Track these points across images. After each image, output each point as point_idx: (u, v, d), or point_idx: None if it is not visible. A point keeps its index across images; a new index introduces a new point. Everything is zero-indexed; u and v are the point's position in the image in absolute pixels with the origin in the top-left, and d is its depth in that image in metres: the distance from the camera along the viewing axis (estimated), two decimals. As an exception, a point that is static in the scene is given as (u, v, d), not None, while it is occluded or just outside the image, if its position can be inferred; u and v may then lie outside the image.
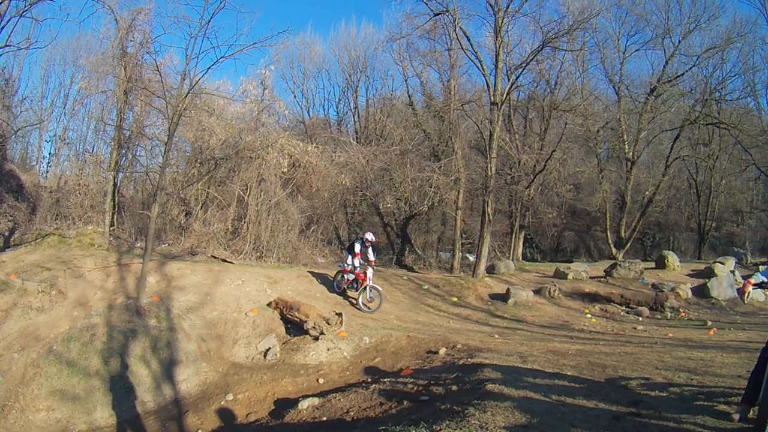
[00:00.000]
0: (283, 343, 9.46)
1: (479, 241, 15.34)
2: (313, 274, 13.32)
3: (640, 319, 12.40)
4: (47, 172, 18.92)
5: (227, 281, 11.66)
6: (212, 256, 13.17)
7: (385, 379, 6.70)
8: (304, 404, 6.20)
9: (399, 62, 21.09)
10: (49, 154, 20.24)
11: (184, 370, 8.46)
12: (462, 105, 17.07)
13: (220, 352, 9.37)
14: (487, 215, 15.16)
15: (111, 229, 12.64)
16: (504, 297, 12.93)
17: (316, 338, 9.04)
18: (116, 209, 12.84)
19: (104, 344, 8.11)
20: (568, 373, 5.74)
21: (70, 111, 18.63)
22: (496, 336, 9.28)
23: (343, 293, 12.08)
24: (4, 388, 7.13)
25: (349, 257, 11.77)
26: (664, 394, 4.81)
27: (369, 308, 11.24)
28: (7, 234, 12.49)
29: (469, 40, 15.32)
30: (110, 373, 7.80)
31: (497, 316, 11.82)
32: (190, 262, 12.17)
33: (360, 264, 11.62)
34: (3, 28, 8.89)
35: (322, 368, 8.31)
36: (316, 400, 6.30)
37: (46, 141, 19.08)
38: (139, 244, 12.49)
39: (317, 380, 7.93)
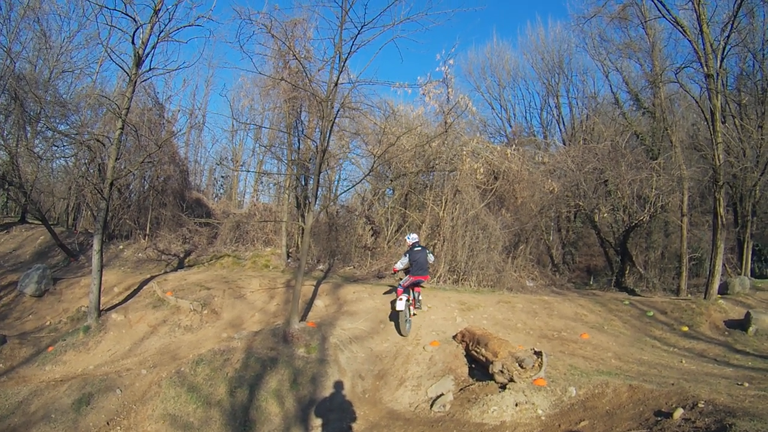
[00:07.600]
0: (459, 390, 6.94)
1: (712, 252, 11.92)
2: (518, 300, 10.32)
3: None
4: (233, 198, 20.45)
5: (410, 307, 9.60)
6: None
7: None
8: None
9: (596, 57, 19.11)
10: (222, 177, 22.06)
11: (325, 413, 6.46)
12: (677, 70, 12.72)
13: (379, 394, 7.15)
14: (720, 217, 11.54)
15: (291, 250, 12.04)
16: (742, 324, 10.08)
17: (504, 386, 6.35)
18: (300, 231, 12.19)
19: (236, 372, 6.77)
20: None
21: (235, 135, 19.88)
22: (746, 384, 6.33)
23: None
24: (118, 403, 6.41)
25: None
26: None
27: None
28: (182, 255, 13.07)
29: (666, 8, 12.15)
30: (233, 406, 6.33)
31: (738, 351, 8.88)
32: (372, 285, 10.52)
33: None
34: (149, 54, 8.97)
35: (503, 433, 5.37)
36: None
37: (227, 167, 20.71)
38: (320, 266, 11.54)
39: (491, 453, 5.09)
